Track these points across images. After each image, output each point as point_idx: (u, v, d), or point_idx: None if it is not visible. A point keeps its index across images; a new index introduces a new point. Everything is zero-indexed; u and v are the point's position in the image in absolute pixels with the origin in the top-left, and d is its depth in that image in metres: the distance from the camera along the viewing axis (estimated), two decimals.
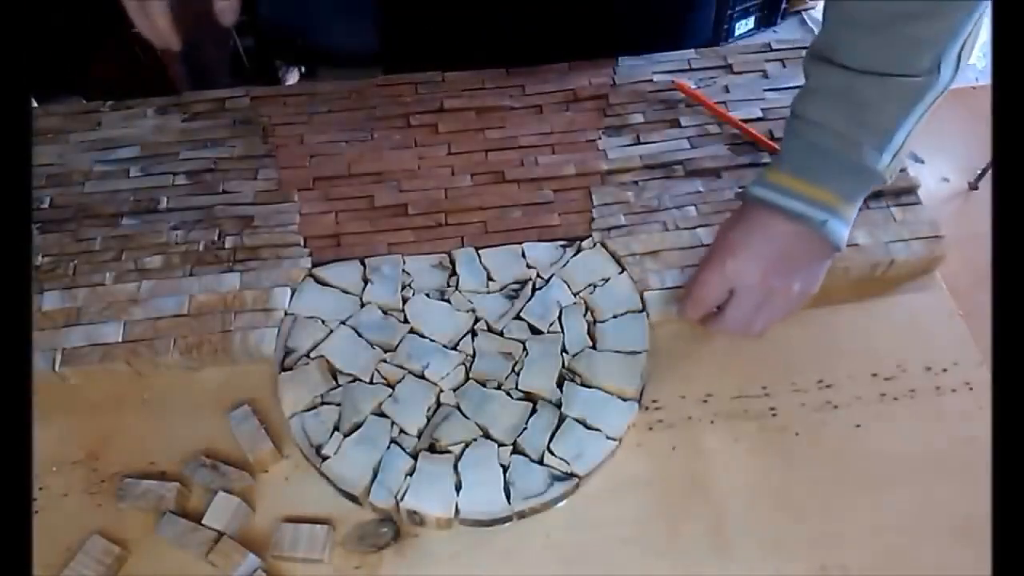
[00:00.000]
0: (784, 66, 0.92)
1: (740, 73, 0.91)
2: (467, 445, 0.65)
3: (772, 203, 0.63)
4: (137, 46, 1.32)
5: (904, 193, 0.79)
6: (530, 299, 0.73)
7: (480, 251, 0.77)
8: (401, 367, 0.69)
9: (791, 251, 0.63)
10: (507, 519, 0.63)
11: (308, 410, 0.67)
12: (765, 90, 0.89)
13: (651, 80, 0.91)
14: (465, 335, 0.71)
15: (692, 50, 0.94)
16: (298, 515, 0.64)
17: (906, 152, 0.62)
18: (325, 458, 0.64)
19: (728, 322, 0.67)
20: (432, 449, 0.65)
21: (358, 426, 0.66)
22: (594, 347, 0.70)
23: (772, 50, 0.93)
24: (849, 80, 0.60)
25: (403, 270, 0.76)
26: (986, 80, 0.99)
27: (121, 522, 0.63)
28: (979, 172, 0.84)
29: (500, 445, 0.65)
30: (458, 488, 0.63)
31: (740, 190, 0.67)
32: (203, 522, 0.62)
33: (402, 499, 0.62)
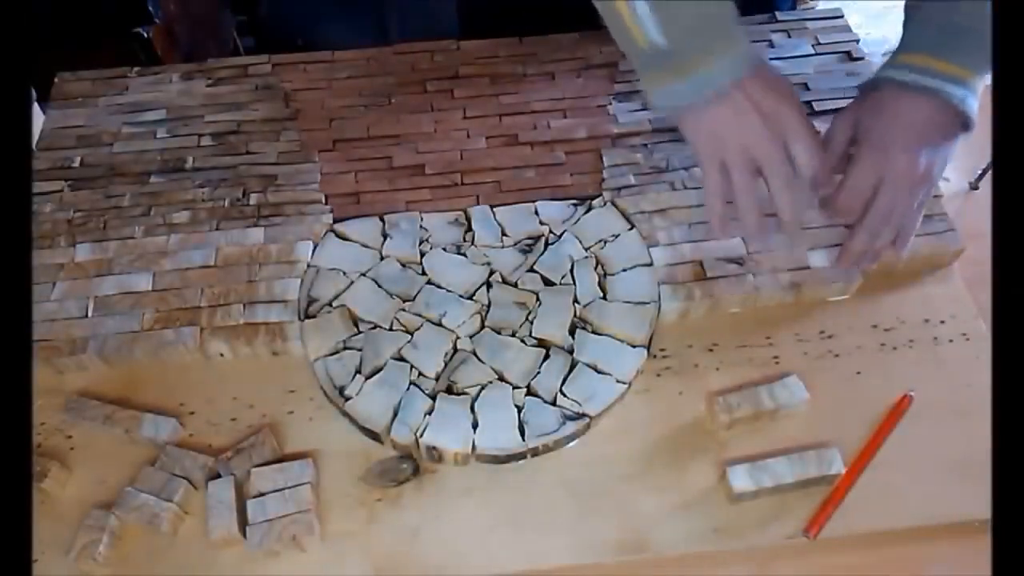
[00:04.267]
0: (789, 36, 0.95)
1: None
2: (483, 387, 0.68)
3: (913, 84, 0.63)
4: (137, 45, 1.34)
5: None
6: (543, 253, 0.76)
7: (495, 208, 0.80)
8: (419, 315, 0.72)
9: (931, 131, 0.64)
10: (522, 456, 0.66)
11: (331, 355, 0.70)
12: (771, 59, 0.92)
13: None
14: (481, 286, 0.74)
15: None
16: (323, 452, 0.67)
17: None
18: (348, 399, 0.67)
19: (881, 213, 0.66)
20: (449, 391, 0.68)
21: (379, 369, 0.69)
22: (604, 298, 0.73)
23: (778, 20, 0.96)
24: None
25: (421, 226, 0.79)
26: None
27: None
28: (979, 172, 0.85)
29: (515, 387, 0.68)
30: (475, 426, 0.66)
31: (861, 83, 0.69)
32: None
33: (422, 435, 0.65)
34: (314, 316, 0.73)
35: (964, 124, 0.64)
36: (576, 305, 0.73)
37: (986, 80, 0.65)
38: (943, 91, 0.63)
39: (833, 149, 0.68)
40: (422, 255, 0.77)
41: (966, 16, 0.62)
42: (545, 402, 0.67)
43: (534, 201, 0.80)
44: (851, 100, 0.70)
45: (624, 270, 0.75)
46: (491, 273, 0.75)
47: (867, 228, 0.67)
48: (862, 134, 0.66)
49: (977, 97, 0.64)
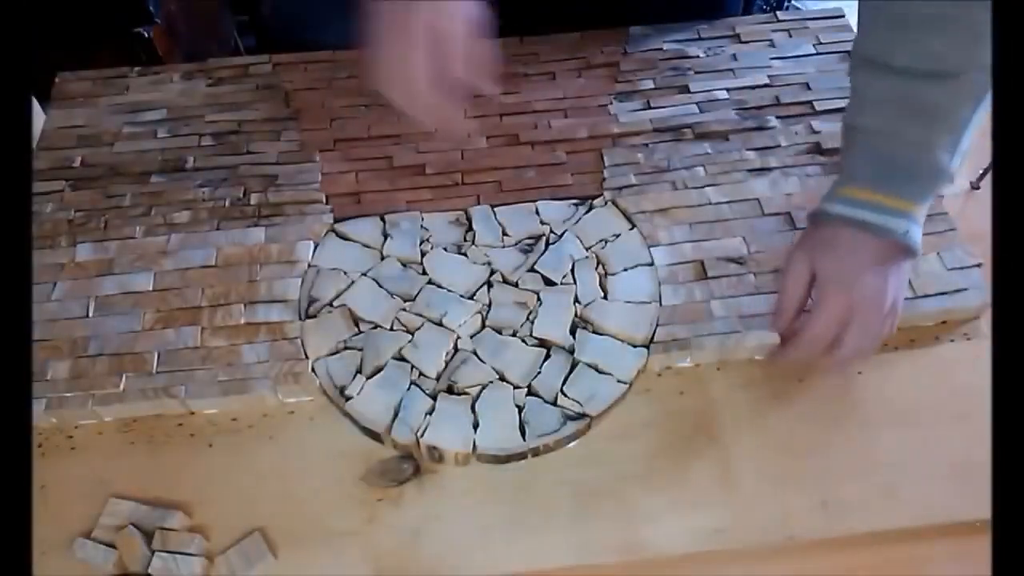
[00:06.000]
0: (790, 36, 0.95)
1: (747, 43, 0.94)
2: (483, 387, 0.68)
3: (855, 219, 0.62)
4: (137, 45, 1.34)
5: None
6: (544, 253, 0.76)
7: (495, 208, 0.80)
8: (420, 315, 0.72)
9: (883, 264, 0.63)
10: (522, 456, 0.66)
11: (332, 354, 0.70)
12: (772, 58, 0.92)
13: (661, 49, 0.94)
14: (481, 286, 0.74)
15: (702, 21, 0.97)
16: (323, 452, 0.67)
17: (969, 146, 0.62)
18: (348, 398, 0.67)
19: (851, 351, 0.64)
20: (450, 391, 0.68)
21: (380, 369, 0.69)
22: (605, 298, 0.73)
23: (779, 20, 0.96)
24: (912, 85, 0.58)
25: (421, 226, 0.79)
26: None
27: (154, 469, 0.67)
28: (980, 172, 0.84)
29: (515, 387, 0.68)
30: (475, 426, 0.66)
31: (810, 212, 0.67)
32: None
33: (422, 435, 0.65)
34: (315, 316, 0.73)
35: (907, 253, 0.64)
36: (577, 305, 0.73)
37: (928, 206, 0.64)
38: (887, 226, 0.62)
39: (792, 290, 0.66)
40: (423, 255, 0.77)
41: (906, 147, 0.61)
42: (546, 402, 0.67)
43: (535, 201, 0.80)
44: (802, 234, 0.68)
45: (625, 270, 0.75)
46: (492, 273, 0.75)
47: (838, 363, 0.66)
48: (821, 273, 0.64)
49: (920, 225, 0.63)
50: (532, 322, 0.72)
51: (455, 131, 0.64)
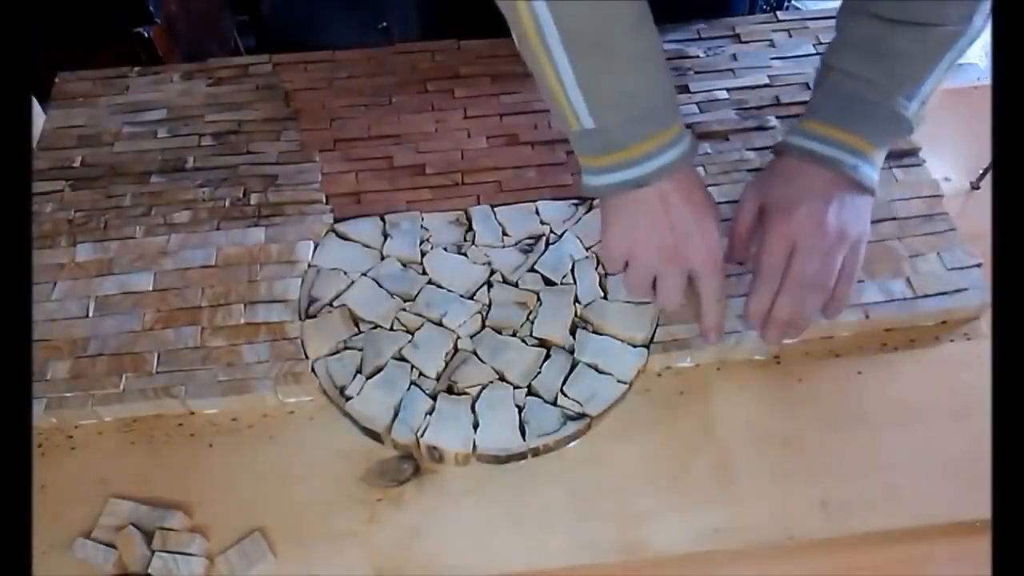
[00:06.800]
0: (790, 36, 0.95)
1: (747, 42, 0.94)
2: (484, 387, 0.68)
3: (807, 150, 0.65)
4: (137, 45, 1.34)
5: (906, 155, 0.82)
6: (544, 253, 0.76)
7: (495, 208, 0.80)
8: (420, 315, 0.72)
9: (831, 196, 0.64)
10: (522, 456, 0.66)
11: (332, 355, 0.70)
12: (772, 58, 0.92)
13: None
14: (481, 286, 0.74)
15: (701, 21, 0.97)
16: (323, 451, 0.67)
17: (932, 99, 0.65)
18: (348, 398, 0.67)
19: (799, 274, 0.63)
20: (450, 391, 0.68)
21: (379, 369, 0.69)
22: (605, 298, 0.73)
23: (779, 20, 0.96)
24: (883, 31, 0.62)
25: (421, 225, 0.79)
26: (986, 80, 0.98)
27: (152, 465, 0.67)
28: (981, 172, 0.84)
29: (515, 387, 0.68)
30: (475, 426, 0.66)
31: (774, 146, 0.70)
32: None
33: (422, 435, 0.65)
34: (315, 316, 0.73)
35: (858, 188, 0.65)
36: (577, 305, 0.73)
37: (886, 150, 0.67)
38: (836, 158, 0.64)
39: (742, 218, 0.68)
40: (423, 255, 0.77)
41: (868, 89, 0.64)
42: (546, 402, 0.67)
43: (535, 201, 0.80)
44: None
45: None
46: (492, 273, 0.75)
47: (788, 295, 0.64)
48: (768, 202, 0.66)
49: (875, 167, 0.66)
50: (532, 322, 0.72)
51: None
